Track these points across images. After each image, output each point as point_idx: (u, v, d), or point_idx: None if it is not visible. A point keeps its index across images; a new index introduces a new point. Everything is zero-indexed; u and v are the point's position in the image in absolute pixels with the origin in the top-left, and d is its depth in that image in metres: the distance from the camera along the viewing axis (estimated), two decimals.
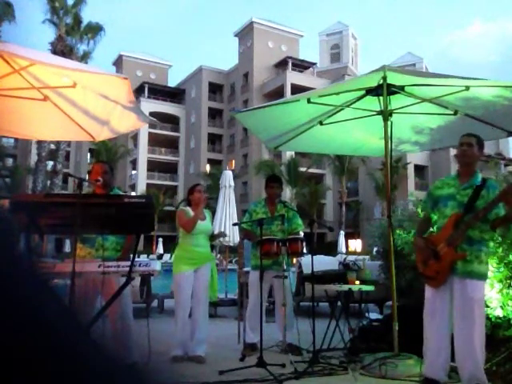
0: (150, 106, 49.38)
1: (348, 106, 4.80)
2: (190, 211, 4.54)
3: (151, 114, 42.60)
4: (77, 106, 4.09)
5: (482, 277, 3.22)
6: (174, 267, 4.47)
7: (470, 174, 3.34)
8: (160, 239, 33.95)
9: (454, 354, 3.18)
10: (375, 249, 6.93)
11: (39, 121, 4.46)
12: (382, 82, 4.36)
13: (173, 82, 61.77)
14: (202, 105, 52.06)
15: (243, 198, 42.17)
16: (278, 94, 43.14)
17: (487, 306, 3.79)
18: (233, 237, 7.79)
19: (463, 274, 3.15)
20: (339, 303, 5.15)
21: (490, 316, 3.80)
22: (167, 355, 4.24)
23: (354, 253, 26.97)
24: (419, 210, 3.63)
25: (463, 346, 3.10)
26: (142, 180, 49.82)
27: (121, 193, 4.24)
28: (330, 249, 25.10)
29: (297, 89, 37.37)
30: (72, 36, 23.59)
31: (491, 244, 3.50)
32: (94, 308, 3.31)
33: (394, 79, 4.36)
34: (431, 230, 3.57)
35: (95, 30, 24.25)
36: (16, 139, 45.85)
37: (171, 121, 53.20)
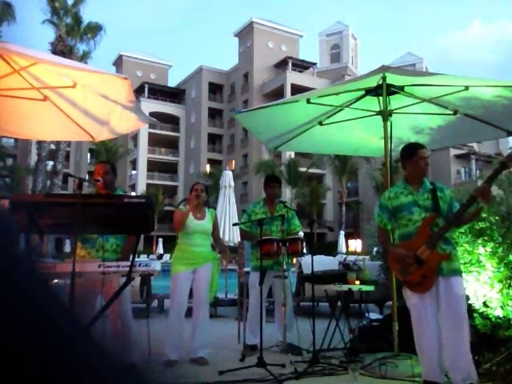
0: (150, 106, 49.35)
1: (348, 107, 4.80)
2: (185, 210, 4.47)
3: (151, 114, 42.56)
4: (77, 106, 4.09)
5: (461, 273, 3.38)
6: (172, 268, 4.39)
7: (421, 181, 3.50)
8: (160, 239, 33.90)
9: (444, 353, 3.19)
10: (375, 249, 6.94)
11: (39, 121, 4.46)
12: (381, 82, 4.36)
13: (173, 82, 61.80)
14: (202, 105, 52.04)
15: (243, 198, 42.15)
16: (277, 94, 43.10)
17: (487, 306, 3.80)
18: (233, 237, 7.80)
19: (449, 273, 3.22)
20: (339, 303, 5.15)
21: (490, 316, 3.79)
22: (162, 358, 4.12)
23: (354, 253, 26.97)
24: (377, 222, 3.65)
25: (455, 345, 3.11)
26: (141, 180, 49.78)
27: (122, 193, 4.22)
28: (330, 249, 25.08)
29: (297, 89, 37.36)
30: (72, 36, 23.62)
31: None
32: (94, 308, 3.31)
33: (394, 79, 4.36)
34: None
35: (95, 29, 24.28)
36: (16, 139, 45.81)
37: (171, 121, 53.16)
